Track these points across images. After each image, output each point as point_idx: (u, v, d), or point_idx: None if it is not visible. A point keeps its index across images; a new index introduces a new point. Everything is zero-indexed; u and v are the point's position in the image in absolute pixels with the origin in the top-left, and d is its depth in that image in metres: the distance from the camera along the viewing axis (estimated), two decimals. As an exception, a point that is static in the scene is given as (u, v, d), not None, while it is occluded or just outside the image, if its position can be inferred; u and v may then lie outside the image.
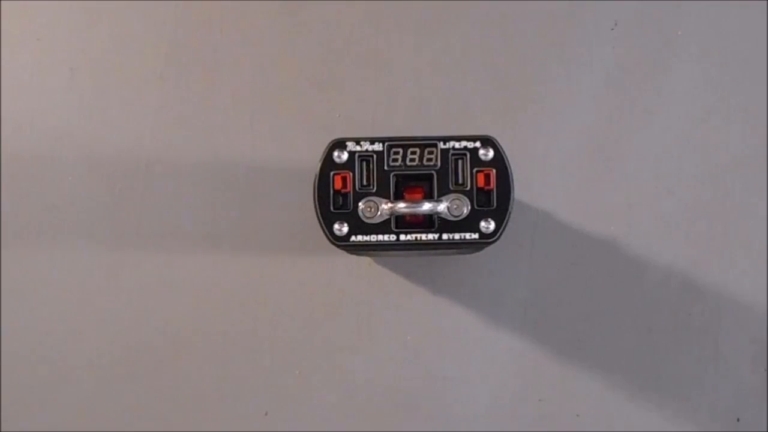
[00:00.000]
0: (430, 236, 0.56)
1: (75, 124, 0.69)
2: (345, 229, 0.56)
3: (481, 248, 0.60)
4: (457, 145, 0.57)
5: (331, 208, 0.56)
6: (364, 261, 0.68)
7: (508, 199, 0.56)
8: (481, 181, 0.56)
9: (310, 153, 0.59)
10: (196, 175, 0.69)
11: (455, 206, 0.56)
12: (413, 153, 0.57)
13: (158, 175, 0.69)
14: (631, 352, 0.67)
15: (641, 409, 0.67)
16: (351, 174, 0.56)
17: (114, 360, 0.68)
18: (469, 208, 0.56)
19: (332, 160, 0.56)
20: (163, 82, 0.69)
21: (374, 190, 0.57)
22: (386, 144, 0.57)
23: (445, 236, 0.56)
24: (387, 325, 0.68)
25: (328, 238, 0.56)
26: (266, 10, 0.70)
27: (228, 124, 0.69)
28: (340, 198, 0.57)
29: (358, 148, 0.57)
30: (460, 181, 0.57)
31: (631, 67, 0.69)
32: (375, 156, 0.57)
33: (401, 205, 0.55)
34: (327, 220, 0.56)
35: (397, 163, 0.57)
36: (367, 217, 0.56)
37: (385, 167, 0.57)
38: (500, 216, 0.56)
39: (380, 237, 0.56)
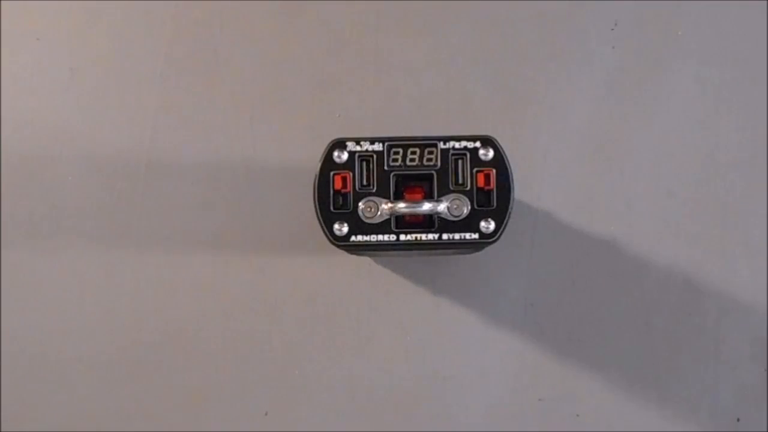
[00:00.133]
0: (430, 236, 0.56)
1: (75, 124, 0.69)
2: (345, 229, 0.56)
3: (481, 248, 0.60)
4: (457, 145, 0.57)
5: (331, 208, 0.56)
6: (364, 261, 0.68)
7: (508, 199, 0.56)
8: (481, 181, 0.56)
9: (310, 153, 0.59)
10: (196, 175, 0.69)
11: (455, 206, 0.56)
12: (413, 153, 0.57)
13: (158, 175, 0.69)
14: (631, 352, 0.67)
15: (641, 409, 0.67)
16: (351, 174, 0.56)
17: (114, 360, 0.68)
18: (469, 208, 0.56)
19: (332, 160, 0.56)
20: (163, 82, 0.69)
21: (374, 190, 0.56)
22: (386, 144, 0.57)
23: (445, 236, 0.56)
24: (387, 325, 0.68)
25: (328, 238, 0.56)
26: (266, 10, 0.70)
27: (228, 124, 0.69)
28: (340, 198, 0.57)
29: (358, 148, 0.57)
30: (460, 181, 0.57)
31: (631, 67, 0.69)
32: (375, 156, 0.57)
33: (401, 205, 0.55)
34: (327, 220, 0.56)
35: (397, 163, 0.57)
36: (367, 217, 0.56)
37: (385, 167, 0.57)
38: (500, 216, 0.56)
39: (380, 237, 0.56)
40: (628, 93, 0.69)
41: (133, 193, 0.69)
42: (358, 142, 0.57)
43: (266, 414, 0.68)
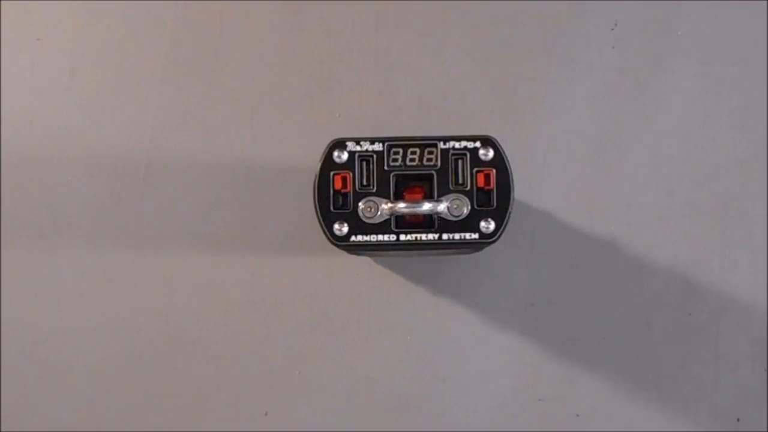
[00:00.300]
0: (430, 236, 0.56)
1: (75, 124, 0.69)
2: (345, 229, 0.56)
3: (481, 248, 0.60)
4: (457, 145, 0.57)
5: (331, 208, 0.56)
6: (364, 261, 0.68)
7: (508, 199, 0.56)
8: (481, 181, 0.56)
9: (310, 153, 0.59)
10: (196, 175, 0.69)
11: (455, 206, 0.56)
12: (413, 153, 0.57)
13: (158, 175, 0.69)
14: (631, 353, 0.67)
15: (641, 409, 0.67)
16: (351, 174, 0.56)
17: (114, 360, 0.68)
18: (469, 208, 0.56)
19: (332, 160, 0.56)
20: (163, 82, 0.69)
21: (374, 190, 0.56)
22: (386, 144, 0.57)
23: (445, 236, 0.56)
24: (387, 325, 0.68)
25: (328, 238, 0.56)
26: (266, 10, 0.70)
27: (228, 124, 0.69)
28: (340, 198, 0.57)
29: (358, 148, 0.57)
30: (460, 181, 0.57)
31: (631, 67, 0.69)
32: (375, 156, 0.57)
33: (401, 205, 0.55)
34: (327, 220, 0.56)
35: (397, 163, 0.57)
36: (367, 217, 0.56)
37: (385, 167, 0.57)
38: (500, 216, 0.56)
39: (380, 237, 0.56)
40: (628, 93, 0.69)
41: (133, 193, 0.69)
42: (358, 142, 0.57)
43: (266, 414, 0.68)
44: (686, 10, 0.69)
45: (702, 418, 0.67)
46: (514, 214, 0.57)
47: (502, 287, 0.68)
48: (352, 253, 0.61)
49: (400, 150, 0.57)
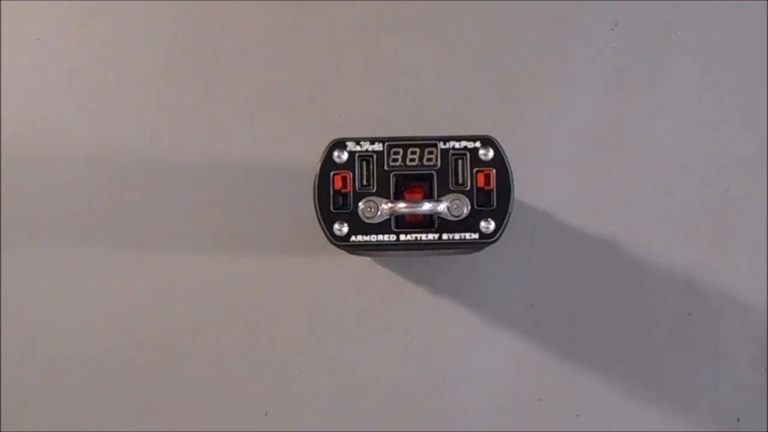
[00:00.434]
0: (430, 236, 0.56)
1: (75, 124, 0.69)
2: (345, 229, 0.56)
3: (481, 248, 0.60)
4: (457, 145, 0.57)
5: (331, 208, 0.56)
6: (364, 261, 0.68)
7: (508, 199, 0.56)
8: (481, 181, 0.56)
9: (310, 153, 0.59)
10: (197, 175, 0.69)
11: (455, 206, 0.56)
12: (413, 153, 0.57)
13: (158, 175, 0.69)
14: (631, 352, 0.67)
15: (641, 409, 0.67)
16: (351, 174, 0.56)
17: (114, 360, 0.68)
18: (469, 208, 0.56)
19: (332, 160, 0.56)
20: (163, 82, 0.69)
21: (374, 190, 0.56)
22: (386, 144, 0.57)
23: (445, 236, 0.56)
24: (387, 325, 0.68)
25: (328, 238, 0.56)
26: (266, 10, 0.70)
27: (228, 124, 0.69)
28: (340, 198, 0.57)
29: (358, 148, 0.57)
30: (460, 181, 0.57)
31: (631, 67, 0.69)
32: (375, 156, 0.57)
33: (401, 205, 0.55)
34: (327, 220, 0.56)
35: (397, 163, 0.57)
36: (367, 217, 0.56)
37: (385, 167, 0.57)
38: (500, 216, 0.56)
39: (380, 237, 0.56)
40: (628, 93, 0.69)
41: (133, 193, 0.69)
42: (358, 142, 0.57)
43: (266, 414, 0.68)
44: (686, 10, 0.69)
45: (702, 418, 0.67)
46: (514, 214, 0.57)
47: (502, 287, 0.68)
48: (352, 253, 0.61)
49: (400, 150, 0.57)
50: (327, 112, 0.69)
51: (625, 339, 0.68)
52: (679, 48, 0.69)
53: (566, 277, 0.68)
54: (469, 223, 0.56)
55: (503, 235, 0.56)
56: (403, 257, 0.68)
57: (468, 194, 0.56)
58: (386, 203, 0.56)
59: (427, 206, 0.55)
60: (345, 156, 0.57)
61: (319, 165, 0.56)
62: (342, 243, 0.56)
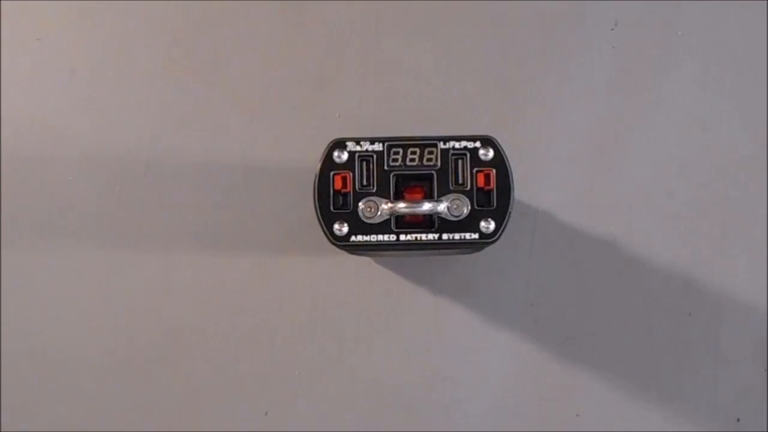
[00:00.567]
0: (430, 236, 0.56)
1: (75, 124, 0.69)
2: (345, 229, 0.56)
3: (481, 248, 0.60)
4: (457, 145, 0.57)
5: (331, 208, 0.56)
6: (364, 261, 0.68)
7: (508, 199, 0.56)
8: (481, 181, 0.56)
9: (310, 153, 0.59)
10: (196, 175, 0.69)
11: (455, 206, 0.56)
12: (413, 153, 0.57)
13: (158, 175, 0.69)
14: (631, 352, 0.67)
15: (641, 409, 0.67)
16: (351, 174, 0.56)
17: (114, 360, 0.68)
18: (469, 208, 0.56)
19: (332, 160, 0.56)
20: (163, 82, 0.69)
21: (374, 190, 0.56)
22: (386, 144, 0.57)
23: (445, 236, 0.56)
24: (387, 325, 0.68)
25: (328, 238, 0.56)
26: (266, 10, 0.70)
27: (228, 124, 0.69)
28: (340, 198, 0.57)
29: (358, 148, 0.57)
30: (460, 181, 0.57)
31: (631, 67, 0.69)
32: (375, 156, 0.57)
33: (401, 205, 0.55)
34: (327, 220, 0.56)
35: (397, 163, 0.57)
36: (367, 217, 0.56)
37: (385, 167, 0.57)
38: (500, 216, 0.56)
39: (380, 237, 0.56)
40: (628, 93, 0.69)
41: (133, 193, 0.69)
42: (358, 142, 0.57)
43: (266, 414, 0.68)
44: (686, 10, 0.69)
45: (702, 418, 0.67)
46: (514, 214, 0.57)
47: (502, 287, 0.68)
48: (352, 253, 0.61)
49: (400, 150, 0.57)
50: (327, 112, 0.69)
51: (625, 339, 0.68)
52: (679, 48, 0.69)
53: (566, 277, 0.68)
54: (469, 223, 0.56)
55: (503, 235, 0.56)
56: (403, 257, 0.68)
57: (468, 194, 0.56)
58: (386, 203, 0.56)
59: (427, 206, 0.55)
60: (345, 156, 0.57)
61: (319, 165, 0.56)
62: (342, 243, 0.56)
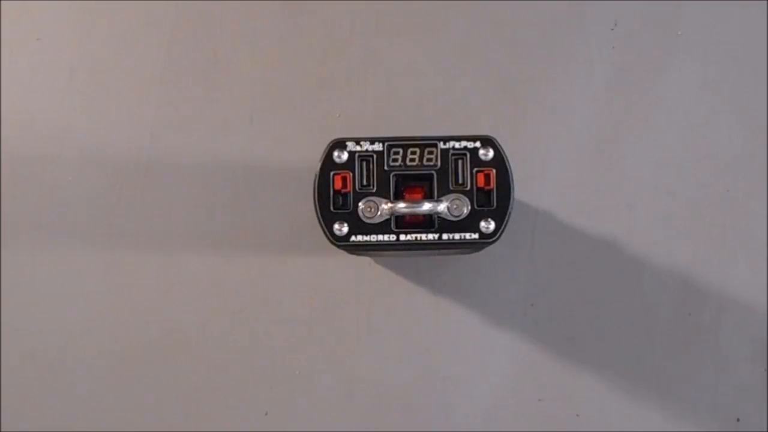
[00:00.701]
0: (430, 236, 0.56)
1: (75, 124, 0.69)
2: (345, 229, 0.56)
3: (481, 248, 0.60)
4: (457, 145, 0.57)
5: (331, 208, 0.56)
6: (364, 261, 0.68)
7: (508, 199, 0.56)
8: (481, 181, 0.56)
9: (310, 153, 0.59)
10: (196, 175, 0.69)
11: (455, 206, 0.56)
12: (413, 153, 0.57)
13: (158, 175, 0.69)
14: (631, 352, 0.67)
15: (641, 409, 0.67)
16: (351, 174, 0.56)
17: (114, 360, 0.68)
18: (469, 208, 0.56)
19: (332, 160, 0.56)
20: (162, 82, 0.69)
21: (374, 190, 0.56)
22: (386, 144, 0.57)
23: (445, 236, 0.56)
24: (387, 326, 0.68)
25: (328, 238, 0.56)
26: (266, 10, 0.70)
27: (228, 124, 0.69)
28: (340, 198, 0.57)
29: (358, 148, 0.57)
30: (460, 181, 0.57)
31: (631, 67, 0.69)
32: (375, 156, 0.57)
33: (401, 205, 0.55)
34: (327, 220, 0.56)
35: (397, 163, 0.57)
36: (367, 217, 0.56)
37: (385, 167, 0.57)
38: (500, 216, 0.56)
39: (380, 237, 0.56)
40: (628, 93, 0.69)
41: (133, 193, 0.69)
42: (358, 142, 0.57)
43: (266, 414, 0.68)
44: (686, 10, 0.69)
45: (702, 418, 0.67)
46: (514, 214, 0.57)
47: (502, 287, 0.68)
48: (352, 253, 0.61)
49: (400, 150, 0.57)
50: (327, 112, 0.69)
51: (625, 339, 0.68)
52: (679, 48, 0.69)
53: (566, 277, 0.68)
54: (469, 223, 0.56)
55: (503, 235, 0.56)
56: (403, 257, 0.68)
57: (468, 194, 0.56)
58: (386, 203, 0.56)
59: (427, 206, 0.55)
60: (345, 156, 0.57)
61: (319, 165, 0.56)
62: (342, 243, 0.56)
